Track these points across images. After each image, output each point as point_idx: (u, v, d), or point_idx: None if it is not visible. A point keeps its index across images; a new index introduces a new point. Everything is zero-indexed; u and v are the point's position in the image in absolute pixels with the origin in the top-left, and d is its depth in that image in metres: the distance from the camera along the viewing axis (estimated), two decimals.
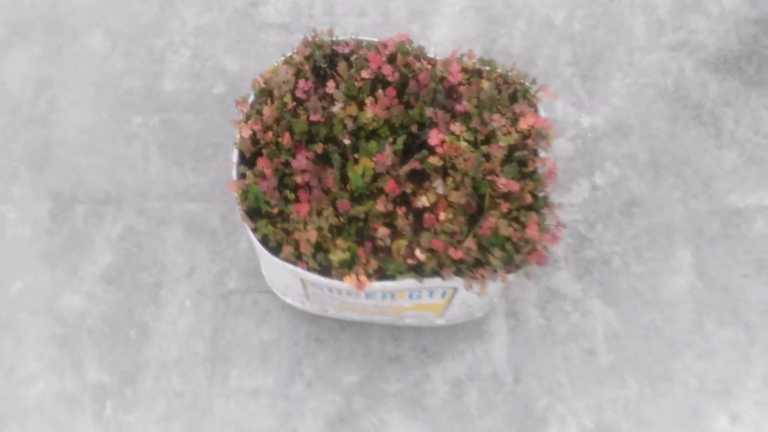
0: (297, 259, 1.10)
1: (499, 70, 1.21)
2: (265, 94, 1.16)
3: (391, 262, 1.08)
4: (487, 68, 1.20)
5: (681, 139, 1.70)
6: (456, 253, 1.06)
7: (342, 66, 1.18)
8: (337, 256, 1.07)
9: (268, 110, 1.13)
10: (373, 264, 1.08)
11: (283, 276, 1.18)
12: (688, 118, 1.73)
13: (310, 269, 1.08)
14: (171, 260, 1.56)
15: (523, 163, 1.14)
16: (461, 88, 1.17)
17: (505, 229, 1.07)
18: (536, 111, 1.19)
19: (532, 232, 1.08)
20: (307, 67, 1.19)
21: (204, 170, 1.64)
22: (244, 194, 1.10)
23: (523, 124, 1.15)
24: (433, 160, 1.13)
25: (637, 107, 1.74)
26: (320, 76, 1.21)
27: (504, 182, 1.08)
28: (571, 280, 1.54)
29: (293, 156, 1.12)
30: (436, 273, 1.08)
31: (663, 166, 1.68)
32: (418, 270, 1.09)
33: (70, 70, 1.73)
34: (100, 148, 1.66)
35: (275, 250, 1.10)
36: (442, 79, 1.19)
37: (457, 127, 1.13)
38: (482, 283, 1.08)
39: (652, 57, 1.80)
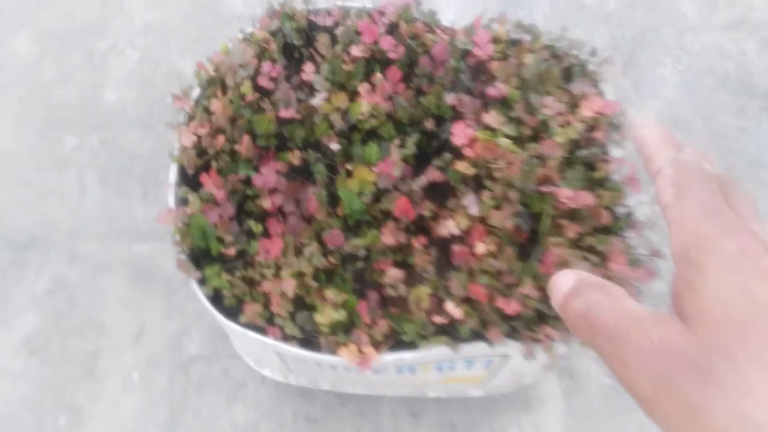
0: (267, 323, 0.73)
1: (544, 40, 0.86)
2: (215, 84, 0.81)
3: (408, 321, 0.72)
4: (528, 37, 0.85)
5: (753, 136, 1.36)
6: (508, 305, 0.70)
7: (323, 41, 0.84)
8: (326, 316, 0.71)
9: (218, 105, 0.78)
10: (382, 326, 0.72)
11: (251, 347, 0.82)
12: (759, 110, 1.39)
13: (286, 338, 0.72)
14: (113, 319, 1.19)
15: (590, 166, 0.79)
16: (493, 65, 0.82)
17: (578, 264, 0.72)
18: (600, 93, 0.84)
19: (617, 266, 0.72)
20: (273, 46, 0.84)
21: (156, 200, 1.28)
22: (185, 229, 0.75)
23: (587, 111, 0.80)
24: (461, 167, 0.77)
25: (695, 99, 1.40)
26: (293, 58, 0.86)
27: (569, 194, 0.73)
28: None
29: (257, 170, 0.77)
30: (477, 335, 0.72)
31: (737, 170, 1.33)
32: (451, 332, 0.72)
33: None
34: (23, 178, 1.30)
35: (233, 312, 0.74)
36: (466, 54, 0.84)
37: (492, 118, 0.78)
38: (548, 346, 0.71)
39: (706, 38, 1.47)
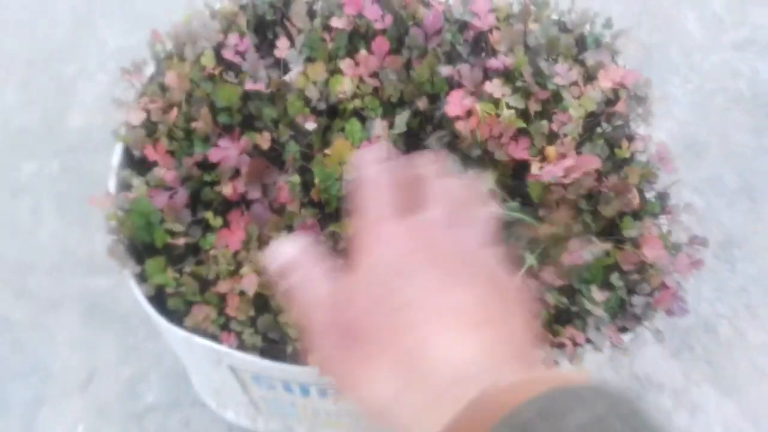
0: (221, 329, 0.59)
1: (552, 16, 0.76)
2: (172, 59, 0.70)
3: None
4: (533, 8, 0.74)
5: None
6: None
7: (298, 10, 0.73)
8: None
9: (173, 76, 0.66)
10: None
11: (204, 367, 0.66)
12: None
13: (245, 348, 0.57)
14: (61, 363, 1.03)
15: (611, 143, 0.67)
16: (495, 35, 0.71)
17: (606, 246, 0.58)
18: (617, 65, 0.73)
19: (653, 252, 0.58)
20: (242, 20, 0.73)
21: None
22: (125, 217, 0.61)
23: (605, 81, 0.68)
24: (465, 142, 0.65)
25: (709, 118, 1.30)
26: (265, 39, 0.75)
27: (571, 163, 0.60)
28: (666, 359, 1.03)
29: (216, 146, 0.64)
30: None
31: (758, 191, 1.21)
32: None
33: None
34: None
35: (178, 317, 0.59)
36: (464, 27, 0.74)
37: (495, 87, 0.66)
38: (573, 353, 0.57)
39: (715, 58, 1.38)
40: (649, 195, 0.65)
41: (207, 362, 0.61)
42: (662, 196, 0.64)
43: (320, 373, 0.32)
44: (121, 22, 1.41)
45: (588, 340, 0.56)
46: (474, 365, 0.28)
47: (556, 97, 0.67)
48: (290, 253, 0.34)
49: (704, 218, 1.18)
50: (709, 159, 1.25)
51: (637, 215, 0.62)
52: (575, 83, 0.67)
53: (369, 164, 0.35)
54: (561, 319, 0.57)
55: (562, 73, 0.67)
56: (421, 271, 0.30)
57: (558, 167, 0.60)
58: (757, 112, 1.31)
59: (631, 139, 0.67)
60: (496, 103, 0.66)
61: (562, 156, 0.63)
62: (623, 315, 0.58)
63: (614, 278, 0.58)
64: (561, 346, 0.56)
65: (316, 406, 0.66)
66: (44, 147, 1.24)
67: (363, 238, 0.32)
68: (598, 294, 0.57)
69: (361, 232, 0.33)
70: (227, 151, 0.62)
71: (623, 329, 0.58)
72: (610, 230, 0.62)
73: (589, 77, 0.69)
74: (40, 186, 1.19)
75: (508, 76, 0.69)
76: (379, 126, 0.67)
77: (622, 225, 0.60)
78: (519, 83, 0.67)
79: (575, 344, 0.56)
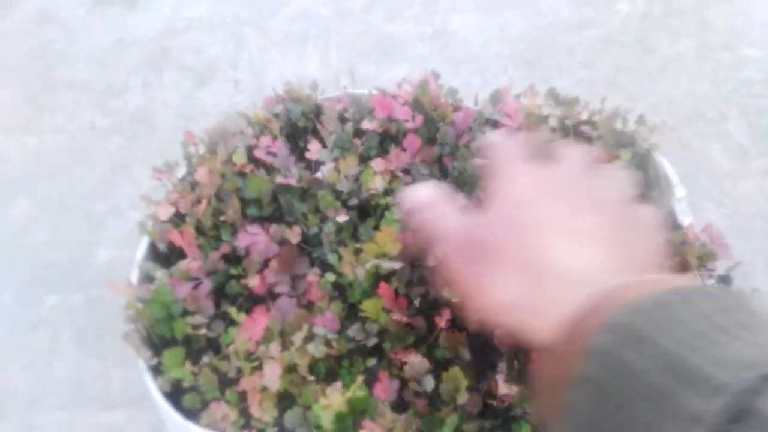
0: (241, 429, 0.52)
1: (582, 114, 0.76)
2: (205, 158, 0.69)
3: (441, 424, 0.51)
4: (557, 112, 0.74)
5: None
6: None
7: (329, 115, 0.74)
8: (330, 409, 0.50)
9: (203, 171, 0.65)
10: (404, 424, 0.50)
11: None
12: None
13: None
14: None
15: None
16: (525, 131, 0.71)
17: None
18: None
19: None
20: (275, 126, 0.74)
21: (135, 361, 1.09)
22: (145, 307, 0.57)
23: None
24: None
25: (750, 241, 1.26)
26: (297, 147, 0.75)
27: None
28: None
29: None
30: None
31: None
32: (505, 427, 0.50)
33: None
34: None
35: (194, 414, 0.53)
36: (495, 125, 0.73)
37: None
38: None
39: (747, 184, 1.37)
40: (711, 281, 0.60)
41: None
42: (724, 279, 0.59)
43: (450, 290, 0.39)
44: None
45: None
46: (594, 271, 0.31)
47: None
48: (424, 194, 0.38)
49: None
50: (756, 281, 1.19)
51: None
52: None
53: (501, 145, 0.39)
54: None
55: None
56: (552, 200, 0.34)
57: None
58: None
59: (678, 228, 0.63)
60: None
61: None
62: None
63: None
64: None
65: None
66: (69, 281, 1.22)
67: (496, 179, 0.36)
68: None
69: (494, 174, 0.36)
70: (256, 237, 0.59)
71: None
72: None
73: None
74: (60, 318, 1.16)
75: None
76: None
77: None
78: None
79: None
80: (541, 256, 0.32)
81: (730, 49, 1.68)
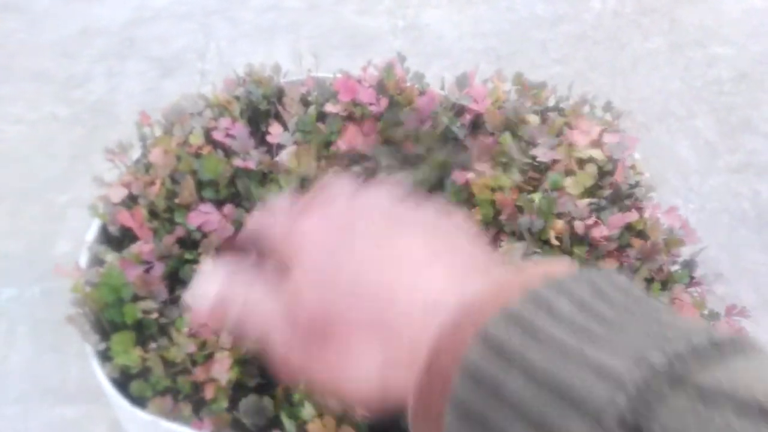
0: (194, 415, 0.50)
1: (550, 100, 0.75)
2: (160, 139, 0.67)
3: None
4: (531, 93, 0.73)
5: None
6: None
7: (293, 96, 0.72)
8: (300, 395, 0.48)
9: (158, 151, 0.63)
10: (367, 417, 0.48)
11: None
12: None
13: (221, 429, 0.48)
14: None
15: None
16: (489, 117, 0.70)
17: None
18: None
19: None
20: (235, 108, 0.72)
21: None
22: (93, 290, 0.54)
23: (581, 137, 0.65)
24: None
25: (716, 237, 1.26)
26: (258, 129, 0.73)
27: (603, 231, 0.55)
28: None
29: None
30: None
31: None
32: None
33: None
34: None
35: (142, 403, 0.50)
36: (461, 111, 0.72)
37: (487, 167, 0.63)
38: None
39: (714, 181, 1.38)
40: (675, 268, 0.59)
41: None
42: (689, 264, 0.58)
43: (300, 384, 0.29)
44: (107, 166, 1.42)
45: None
46: (440, 291, 0.26)
47: (544, 170, 0.64)
48: (215, 290, 0.30)
49: None
50: (725, 276, 1.19)
51: (665, 284, 0.56)
52: (557, 161, 0.64)
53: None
54: None
55: (543, 151, 0.64)
56: (354, 241, 0.28)
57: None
58: (765, 231, 1.28)
59: (640, 210, 0.63)
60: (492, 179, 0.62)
61: (568, 227, 0.58)
62: None
63: None
64: None
65: None
66: (26, 273, 1.18)
67: (280, 243, 0.31)
68: None
69: (276, 240, 0.31)
70: (209, 216, 0.57)
71: None
72: None
73: (571, 146, 0.66)
74: (16, 311, 1.12)
75: (495, 156, 0.66)
76: None
77: (652, 292, 0.54)
78: (505, 159, 0.64)
79: None
80: (378, 304, 0.26)
81: (700, 47, 1.70)
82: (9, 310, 1.13)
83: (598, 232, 0.56)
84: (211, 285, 0.31)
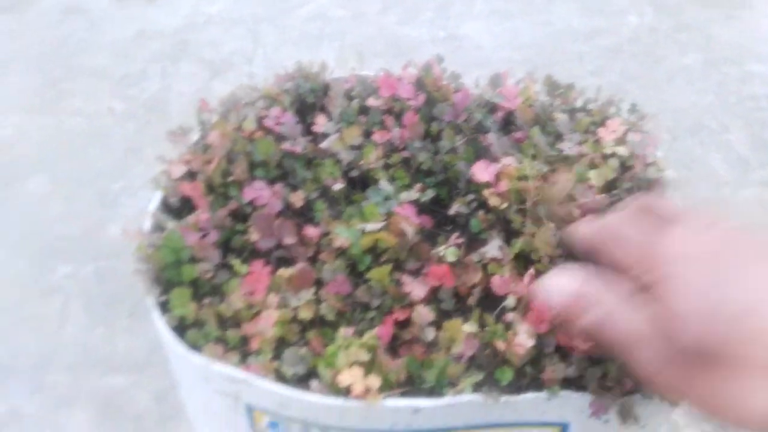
0: (242, 362, 0.56)
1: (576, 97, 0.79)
2: (218, 123, 0.74)
3: (431, 365, 0.54)
4: (559, 93, 0.78)
5: None
6: (567, 339, 0.52)
7: (337, 90, 0.78)
8: (349, 356, 0.53)
9: (216, 134, 0.70)
10: (394, 366, 0.54)
11: (217, 420, 0.61)
12: None
13: (266, 375, 0.54)
14: None
15: None
16: (520, 114, 0.75)
17: None
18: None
19: None
20: (285, 99, 0.78)
21: (142, 330, 1.13)
22: (155, 252, 0.61)
23: (607, 135, 0.70)
24: (494, 201, 0.65)
25: None
26: (304, 120, 0.79)
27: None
28: None
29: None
30: (522, 386, 0.53)
31: None
32: (485, 383, 0.54)
33: None
34: (3, 305, 1.18)
35: (196, 349, 0.56)
36: (494, 108, 0.77)
37: (514, 160, 0.68)
38: (620, 392, 0.52)
39: (746, 192, 1.40)
40: None
41: (222, 406, 0.57)
42: None
43: (676, 400, 0.33)
44: (168, 149, 1.50)
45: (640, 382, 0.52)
46: None
47: (570, 163, 0.68)
48: (566, 285, 0.33)
49: None
50: None
51: None
52: (583, 155, 0.69)
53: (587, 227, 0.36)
54: (601, 367, 0.53)
55: (570, 145, 0.69)
56: (742, 271, 0.28)
57: None
58: None
59: None
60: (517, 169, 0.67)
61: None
62: None
63: None
64: (608, 389, 0.52)
65: None
66: (81, 253, 1.27)
67: (642, 259, 0.31)
68: None
69: (636, 255, 0.32)
70: (261, 192, 0.63)
71: None
72: None
73: (598, 144, 0.70)
74: (73, 287, 1.21)
75: (524, 148, 0.71)
76: (413, 192, 0.68)
77: None
78: (533, 152, 0.69)
79: (624, 391, 0.52)
80: None
81: (736, 64, 1.72)
82: (64, 286, 1.21)
83: None
84: (569, 282, 0.33)
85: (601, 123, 0.74)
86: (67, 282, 1.22)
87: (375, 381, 0.52)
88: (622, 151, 0.69)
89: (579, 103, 0.80)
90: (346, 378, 0.51)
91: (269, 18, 1.88)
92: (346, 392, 0.52)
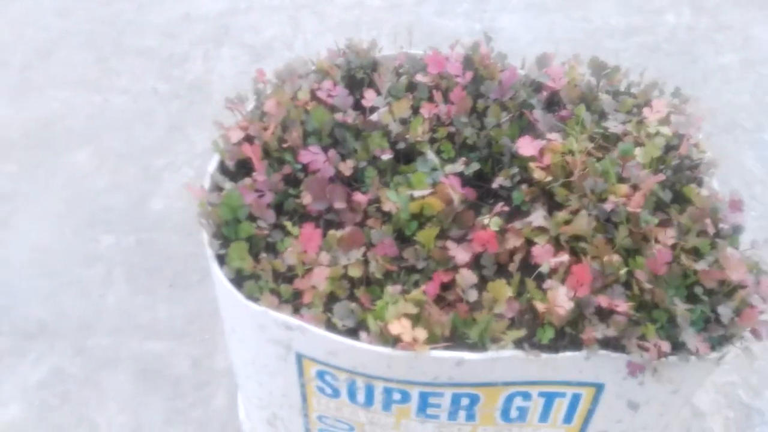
0: (294, 313, 0.59)
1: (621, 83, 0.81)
2: (275, 91, 0.77)
3: (475, 322, 0.57)
4: (605, 74, 0.80)
5: None
6: (608, 301, 0.55)
7: (385, 68, 0.81)
8: (398, 310, 0.56)
9: (272, 102, 0.73)
10: (441, 319, 0.56)
11: (267, 369, 0.64)
12: None
13: (317, 325, 0.57)
14: (106, 419, 1.01)
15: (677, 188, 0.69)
16: (563, 93, 0.77)
17: (690, 263, 0.58)
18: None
19: (736, 273, 0.57)
20: (336, 73, 0.81)
21: (182, 300, 1.17)
22: (214, 209, 0.64)
23: (652, 115, 0.72)
24: (538, 174, 0.67)
25: None
26: (353, 94, 0.82)
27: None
28: None
29: (304, 169, 0.69)
30: (562, 346, 0.56)
31: None
32: (525, 342, 0.56)
33: (41, 185, 1.38)
34: (50, 269, 1.22)
35: (252, 299, 0.60)
36: (539, 88, 0.80)
37: (559, 137, 0.70)
38: (657, 353, 0.54)
39: None
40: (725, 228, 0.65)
41: (274, 355, 0.60)
42: (736, 229, 0.64)
43: None
44: (211, 129, 1.54)
45: (675, 347, 0.54)
46: None
47: (614, 140, 0.71)
48: None
49: None
50: None
51: (713, 245, 0.62)
52: (628, 133, 0.71)
53: None
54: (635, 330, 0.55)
55: (614, 124, 0.71)
56: None
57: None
58: None
59: (700, 183, 0.69)
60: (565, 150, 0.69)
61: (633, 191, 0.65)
62: (710, 329, 0.55)
63: (697, 291, 0.57)
64: (646, 349, 0.54)
65: (378, 419, 0.62)
66: (124, 224, 1.31)
67: None
68: (680, 304, 0.55)
69: None
70: (316, 156, 0.66)
71: (711, 345, 0.55)
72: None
73: (641, 122, 0.72)
74: (116, 256, 1.25)
75: (569, 125, 0.73)
76: (458, 164, 0.71)
77: (701, 248, 0.60)
78: (578, 128, 0.71)
79: (660, 352, 0.54)
80: None
81: None
82: (108, 255, 1.25)
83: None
84: None
85: (645, 104, 0.76)
86: (110, 251, 1.26)
87: (422, 333, 0.54)
88: (665, 130, 0.71)
89: (623, 86, 0.82)
90: (395, 327, 0.54)
91: (309, 5, 1.91)
92: (394, 342, 0.55)
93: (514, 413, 0.60)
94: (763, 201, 1.38)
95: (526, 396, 0.58)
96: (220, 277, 0.60)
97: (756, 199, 1.38)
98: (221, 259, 0.62)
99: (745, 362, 1.09)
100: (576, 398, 0.58)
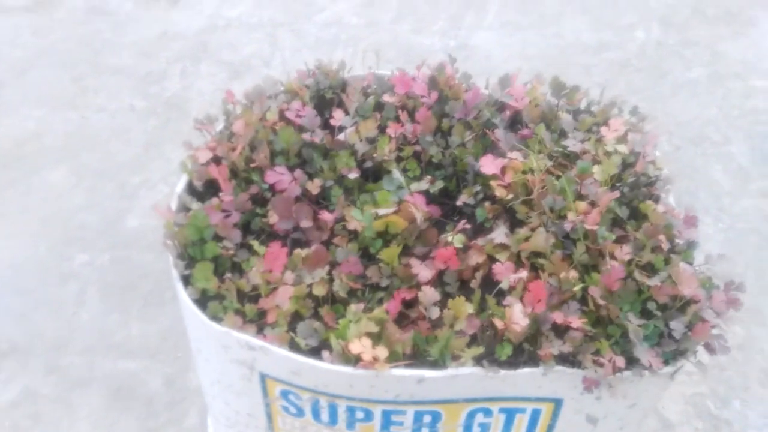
0: (258, 333, 0.60)
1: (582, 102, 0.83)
2: (243, 112, 0.78)
3: (435, 340, 0.58)
4: (564, 93, 0.82)
5: None
6: (563, 318, 0.56)
7: (353, 89, 0.82)
8: (360, 328, 0.57)
9: (240, 123, 0.74)
10: (401, 338, 0.57)
11: (231, 389, 0.65)
12: None
13: (281, 345, 0.58)
14: None
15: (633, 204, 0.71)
16: (525, 111, 0.79)
17: (643, 278, 0.59)
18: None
19: (688, 288, 0.59)
20: (306, 94, 0.82)
21: (155, 317, 1.17)
22: (180, 230, 0.65)
23: (609, 133, 0.74)
24: (501, 193, 0.69)
25: (744, 254, 1.32)
26: (322, 115, 0.83)
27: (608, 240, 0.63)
28: None
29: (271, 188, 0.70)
30: (520, 362, 0.57)
31: None
32: (485, 358, 0.57)
33: (15, 204, 1.38)
34: (22, 288, 1.22)
35: (216, 320, 0.60)
36: (502, 107, 0.81)
37: (520, 155, 0.72)
38: (612, 368, 0.55)
39: (745, 203, 1.43)
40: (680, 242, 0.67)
41: (238, 375, 0.61)
42: (690, 245, 0.66)
43: None
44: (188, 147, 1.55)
45: (629, 362, 0.55)
46: None
47: (573, 158, 0.72)
48: None
49: (746, 346, 1.15)
50: (750, 291, 1.24)
51: (667, 260, 0.63)
52: (586, 151, 0.73)
53: None
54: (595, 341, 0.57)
55: (573, 142, 0.73)
56: None
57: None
58: None
59: (657, 200, 0.71)
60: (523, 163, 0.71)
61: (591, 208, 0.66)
62: (663, 344, 0.57)
63: (651, 306, 0.58)
64: (600, 365, 0.55)
65: None
66: (99, 242, 1.31)
67: None
68: (634, 319, 0.57)
69: None
70: (282, 176, 0.68)
71: (664, 359, 0.57)
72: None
73: (599, 141, 0.74)
74: (89, 275, 1.25)
75: (529, 144, 0.75)
76: (423, 182, 0.72)
77: (656, 263, 0.62)
78: (538, 147, 0.73)
79: (615, 367, 0.55)
80: None
81: (740, 79, 1.75)
82: (81, 273, 1.25)
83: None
84: None
85: (604, 123, 0.78)
86: (84, 269, 1.26)
87: (383, 351, 0.56)
88: (622, 148, 0.73)
89: (583, 105, 0.84)
90: (356, 347, 0.55)
91: (287, 23, 1.92)
92: (355, 361, 0.56)
93: (476, 429, 0.61)
94: (730, 213, 1.40)
95: (487, 412, 0.59)
96: (184, 298, 0.61)
97: (724, 212, 1.41)
98: (187, 280, 0.63)
99: (713, 373, 1.12)
100: (536, 414, 0.60)
